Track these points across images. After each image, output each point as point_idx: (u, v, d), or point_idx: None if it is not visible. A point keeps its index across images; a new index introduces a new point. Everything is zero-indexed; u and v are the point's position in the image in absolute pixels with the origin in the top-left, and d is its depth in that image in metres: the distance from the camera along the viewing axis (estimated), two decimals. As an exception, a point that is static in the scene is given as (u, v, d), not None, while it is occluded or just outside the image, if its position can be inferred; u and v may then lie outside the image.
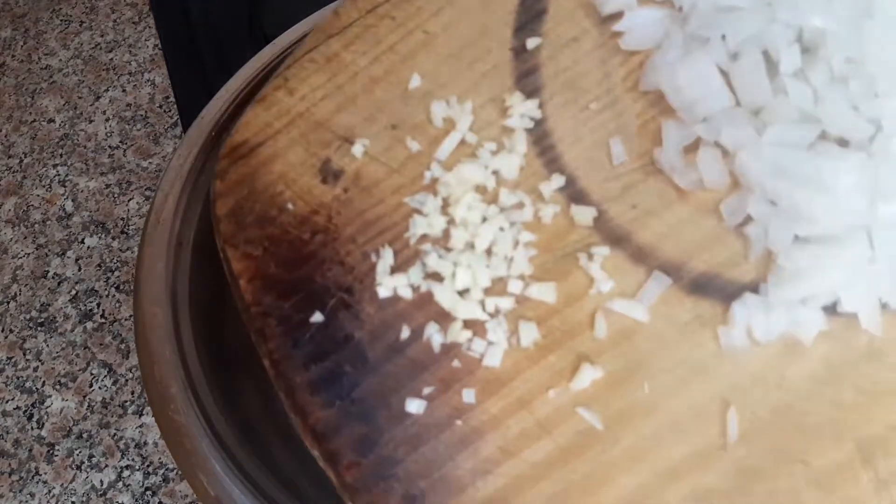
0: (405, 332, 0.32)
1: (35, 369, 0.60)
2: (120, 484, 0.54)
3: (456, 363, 0.31)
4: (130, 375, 0.59)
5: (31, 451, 0.56)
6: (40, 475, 0.55)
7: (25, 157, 0.75)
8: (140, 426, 0.57)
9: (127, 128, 0.76)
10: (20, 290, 0.65)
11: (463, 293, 0.32)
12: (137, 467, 0.55)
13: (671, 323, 0.31)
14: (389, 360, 0.31)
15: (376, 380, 0.31)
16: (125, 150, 0.74)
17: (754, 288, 0.31)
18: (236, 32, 0.78)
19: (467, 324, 0.32)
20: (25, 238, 0.69)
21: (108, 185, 0.71)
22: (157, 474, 0.54)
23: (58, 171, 0.73)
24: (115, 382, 0.59)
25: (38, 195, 0.72)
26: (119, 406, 0.58)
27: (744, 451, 0.28)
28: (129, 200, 0.70)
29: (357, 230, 0.34)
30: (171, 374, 0.44)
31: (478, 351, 0.31)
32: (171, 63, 0.79)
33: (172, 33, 0.81)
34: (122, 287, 0.64)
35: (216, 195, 0.37)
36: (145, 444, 0.56)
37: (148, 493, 0.54)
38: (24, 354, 0.61)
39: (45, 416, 0.58)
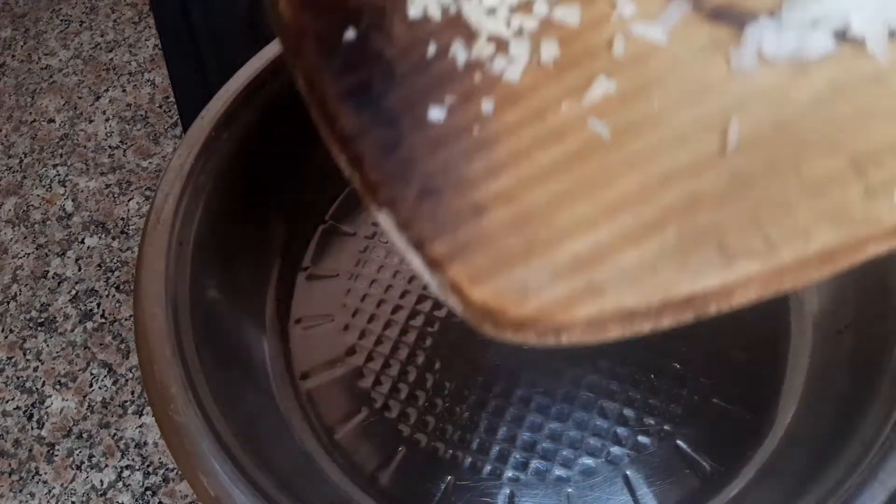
0: (432, 50, 0.34)
1: (35, 369, 0.60)
2: (120, 484, 0.54)
3: (477, 77, 0.33)
4: (130, 375, 0.59)
5: (31, 451, 0.56)
6: (40, 475, 0.55)
7: (25, 157, 0.75)
8: (140, 426, 0.57)
9: (127, 128, 0.76)
10: (20, 290, 0.65)
11: (490, 11, 0.34)
12: (137, 467, 0.55)
13: (687, 46, 0.32)
14: (415, 74, 0.33)
15: (402, 91, 0.33)
16: (125, 150, 0.74)
17: (770, 14, 0.32)
18: (236, 32, 0.78)
19: (491, 40, 0.34)
20: (25, 238, 0.69)
21: (108, 185, 0.71)
22: (157, 474, 0.54)
23: (58, 171, 0.73)
24: (115, 382, 0.59)
25: (38, 195, 0.72)
26: (119, 406, 0.58)
27: (741, 160, 0.30)
28: (129, 200, 0.70)
29: None
30: (171, 374, 0.44)
31: (499, 66, 0.33)
32: (171, 63, 0.79)
33: (172, 33, 0.81)
34: (122, 287, 0.64)
35: None
36: (145, 444, 0.56)
37: (148, 493, 0.54)
38: (24, 354, 0.61)
39: (45, 416, 0.58)
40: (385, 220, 0.31)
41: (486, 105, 0.32)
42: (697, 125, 0.31)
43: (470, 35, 0.34)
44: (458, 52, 0.34)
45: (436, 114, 0.32)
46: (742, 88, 0.31)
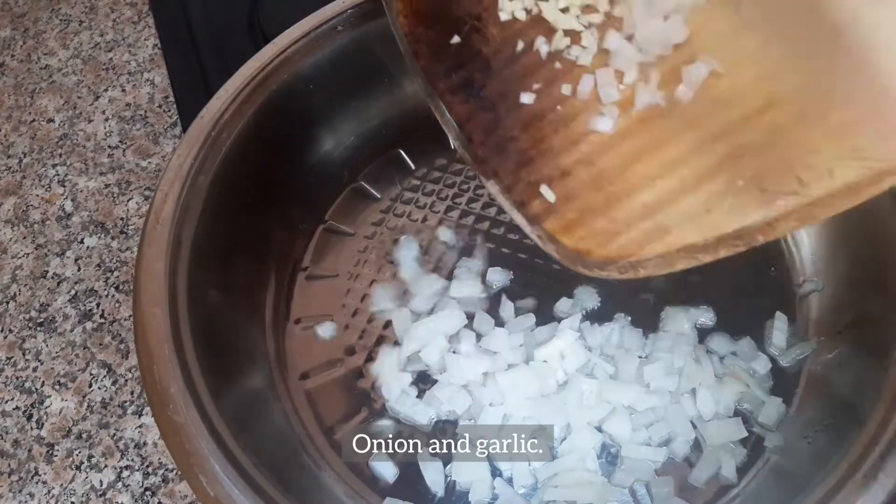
0: (520, 45, 0.42)
1: (34, 369, 0.60)
2: (119, 484, 0.54)
3: (557, 65, 0.41)
4: (130, 375, 0.59)
5: (30, 451, 0.56)
6: (40, 475, 0.55)
7: (25, 156, 0.75)
8: (140, 426, 0.57)
9: (126, 127, 0.76)
10: (20, 290, 0.65)
11: (564, 10, 0.42)
12: (137, 467, 0.55)
13: (720, 25, 0.39)
14: (508, 66, 0.42)
15: (498, 82, 0.41)
16: (124, 150, 0.74)
17: None
18: (236, 32, 0.78)
19: (567, 34, 0.42)
20: (25, 238, 0.69)
21: (107, 185, 0.71)
22: (156, 474, 0.54)
23: (57, 171, 0.73)
24: (114, 382, 0.59)
25: (38, 195, 0.72)
26: (118, 406, 0.58)
27: (775, 115, 0.36)
28: (128, 200, 0.70)
29: None
30: (170, 374, 0.44)
31: (574, 55, 0.41)
32: (171, 63, 0.79)
33: (172, 33, 0.81)
34: (121, 287, 0.64)
35: None
36: (145, 444, 0.56)
37: (147, 493, 0.54)
38: (24, 354, 0.61)
39: (45, 417, 0.58)
40: (492, 187, 0.39)
41: (565, 87, 0.40)
42: (738, 89, 0.37)
43: (549, 31, 0.42)
44: (541, 46, 0.42)
45: (526, 98, 0.40)
46: (776, 55, 0.37)
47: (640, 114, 0.38)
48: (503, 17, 0.43)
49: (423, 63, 0.43)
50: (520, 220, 0.38)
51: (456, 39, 0.43)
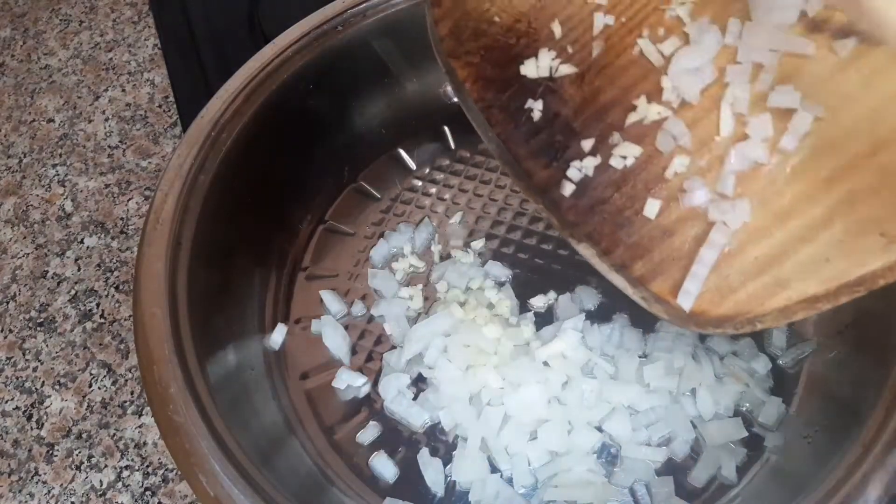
0: (605, 98, 0.40)
1: (34, 369, 0.60)
2: (119, 484, 0.54)
3: (646, 121, 0.39)
4: (130, 375, 0.59)
5: (30, 451, 0.56)
6: (40, 475, 0.55)
7: (25, 156, 0.75)
8: (140, 426, 0.57)
9: (126, 127, 0.76)
10: (19, 290, 0.65)
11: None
12: (137, 467, 0.55)
13: (821, 64, 0.37)
14: (591, 126, 0.39)
15: (581, 144, 0.39)
16: (124, 150, 0.74)
17: None
18: (236, 32, 0.78)
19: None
20: (25, 238, 0.69)
21: (107, 185, 0.71)
22: (156, 474, 0.54)
23: (57, 171, 0.73)
24: (114, 382, 0.59)
25: (38, 195, 0.72)
26: (118, 406, 0.58)
27: (886, 156, 0.35)
28: (128, 200, 0.70)
29: (552, 31, 0.42)
30: (170, 374, 0.44)
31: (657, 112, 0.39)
32: (171, 63, 0.79)
33: (172, 33, 0.81)
34: (121, 287, 0.64)
35: (436, 20, 0.45)
36: (145, 444, 0.56)
37: (147, 493, 0.54)
38: (24, 354, 0.61)
39: (45, 417, 0.58)
40: (585, 250, 0.37)
41: (658, 142, 0.38)
42: (848, 131, 0.36)
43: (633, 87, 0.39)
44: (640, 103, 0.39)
45: (616, 161, 0.38)
46: (876, 91, 0.36)
47: (745, 170, 0.37)
48: (528, 73, 0.41)
49: (498, 130, 0.41)
50: (619, 281, 0.37)
51: (531, 103, 0.40)
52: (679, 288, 0.35)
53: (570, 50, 0.42)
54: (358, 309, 0.57)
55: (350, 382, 0.53)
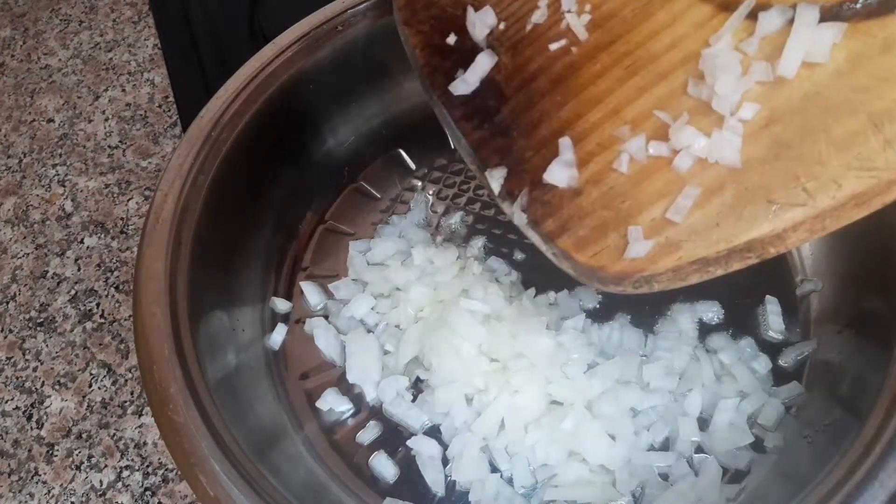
0: (530, 71, 0.43)
1: (34, 369, 0.60)
2: (119, 484, 0.54)
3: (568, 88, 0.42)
4: (130, 375, 0.59)
5: (30, 451, 0.56)
6: (40, 475, 0.55)
7: (25, 156, 0.75)
8: (139, 426, 0.57)
9: (126, 127, 0.76)
10: (19, 290, 0.65)
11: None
12: (137, 467, 0.55)
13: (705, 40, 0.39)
14: (519, 92, 0.43)
15: (509, 107, 0.42)
16: (124, 150, 0.74)
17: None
18: (236, 32, 0.78)
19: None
20: (25, 238, 0.69)
21: (107, 185, 0.71)
22: (156, 474, 0.54)
23: (57, 171, 0.73)
24: (114, 382, 0.59)
25: (38, 195, 0.72)
26: (118, 406, 0.58)
27: (779, 129, 0.37)
28: (128, 200, 0.70)
29: (495, 2, 0.46)
30: (170, 374, 0.44)
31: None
32: (171, 63, 0.79)
33: (172, 33, 0.81)
34: (121, 287, 0.64)
35: None
36: (145, 444, 0.56)
37: (147, 493, 0.53)
38: (24, 354, 0.61)
39: (45, 417, 0.58)
40: (508, 208, 0.40)
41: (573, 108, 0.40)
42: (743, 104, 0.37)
43: (559, 55, 0.42)
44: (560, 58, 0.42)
45: (545, 127, 0.40)
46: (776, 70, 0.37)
47: (647, 133, 0.39)
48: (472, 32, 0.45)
49: (438, 92, 0.44)
50: (535, 238, 0.39)
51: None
52: (582, 245, 0.38)
53: (507, 23, 0.45)
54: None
55: (334, 406, 0.52)
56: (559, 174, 0.39)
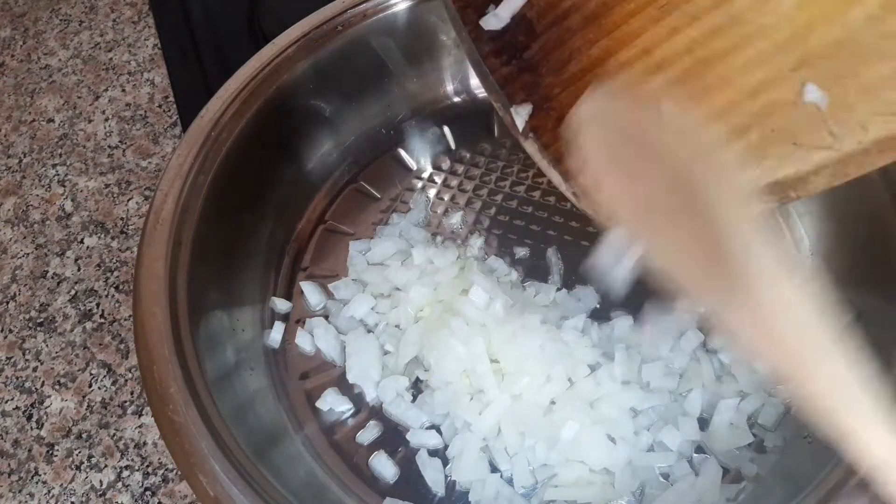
0: (563, 6, 0.43)
1: (34, 369, 0.60)
2: (119, 484, 0.54)
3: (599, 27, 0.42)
4: (130, 375, 0.59)
5: (30, 451, 0.56)
6: (40, 475, 0.55)
7: (25, 156, 0.75)
8: (139, 426, 0.57)
9: (126, 127, 0.76)
10: (19, 290, 0.65)
11: None
12: (137, 467, 0.55)
13: None
14: (550, 29, 0.43)
15: (539, 44, 0.43)
16: (124, 150, 0.74)
17: None
18: (236, 32, 0.78)
19: None
20: (25, 238, 0.69)
21: (107, 185, 0.71)
22: (156, 474, 0.54)
23: (57, 171, 0.73)
24: (114, 382, 0.59)
25: (38, 195, 0.72)
26: (118, 406, 0.58)
27: (809, 73, 0.36)
28: (128, 200, 0.70)
29: None
30: (170, 374, 0.44)
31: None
32: (171, 63, 0.79)
33: (172, 33, 0.81)
34: (121, 287, 0.64)
35: None
36: (145, 444, 0.56)
37: (147, 493, 0.53)
38: (24, 354, 0.61)
39: (45, 417, 0.58)
40: (530, 146, 0.40)
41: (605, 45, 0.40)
42: (774, 48, 0.38)
43: None
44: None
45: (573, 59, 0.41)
46: (808, 13, 0.38)
47: (676, 71, 0.39)
48: None
49: (469, 28, 0.44)
50: (554, 177, 0.39)
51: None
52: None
53: None
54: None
55: (334, 406, 0.52)
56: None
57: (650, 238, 0.32)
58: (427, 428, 0.51)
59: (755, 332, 0.28)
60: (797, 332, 0.26)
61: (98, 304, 0.63)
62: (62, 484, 0.55)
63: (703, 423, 0.49)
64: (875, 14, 0.37)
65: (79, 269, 0.66)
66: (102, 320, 0.62)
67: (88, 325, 0.62)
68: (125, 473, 0.55)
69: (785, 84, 0.37)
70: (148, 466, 0.55)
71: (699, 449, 0.49)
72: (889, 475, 0.25)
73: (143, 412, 0.57)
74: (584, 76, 0.41)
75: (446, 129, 0.66)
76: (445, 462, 0.49)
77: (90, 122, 0.77)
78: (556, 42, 0.42)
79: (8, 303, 0.64)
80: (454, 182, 0.64)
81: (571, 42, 0.42)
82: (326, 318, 0.56)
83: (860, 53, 0.36)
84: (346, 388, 0.53)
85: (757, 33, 0.39)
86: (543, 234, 0.60)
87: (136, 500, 0.53)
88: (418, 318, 0.55)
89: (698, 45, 0.39)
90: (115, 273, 0.65)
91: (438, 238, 0.60)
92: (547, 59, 0.42)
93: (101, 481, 0.54)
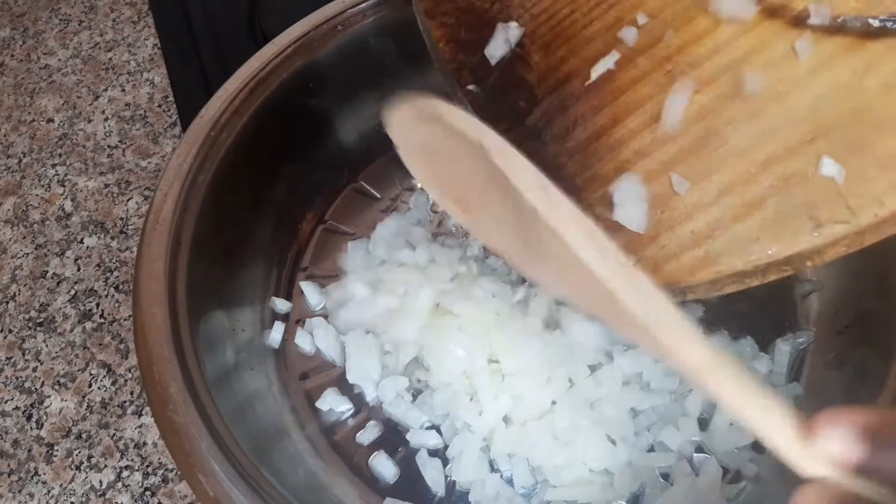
0: (563, 73, 0.41)
1: (34, 369, 0.60)
2: (119, 484, 0.54)
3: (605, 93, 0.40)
4: (130, 376, 0.59)
5: (30, 451, 0.56)
6: (39, 475, 0.55)
7: (24, 156, 0.75)
8: (139, 426, 0.57)
9: (126, 127, 0.76)
10: (19, 290, 0.65)
11: None
12: (136, 467, 0.55)
13: (766, 52, 0.38)
14: (552, 94, 0.41)
15: (542, 110, 0.41)
16: (124, 150, 0.74)
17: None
18: (236, 32, 0.78)
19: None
20: (24, 238, 0.69)
21: (107, 185, 0.71)
22: (156, 474, 0.54)
23: (57, 171, 0.73)
24: (114, 383, 0.59)
25: (37, 195, 0.71)
26: (118, 406, 0.58)
27: (824, 144, 0.36)
28: (128, 200, 0.70)
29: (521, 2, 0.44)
30: (170, 374, 0.43)
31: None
32: (171, 63, 0.79)
33: (172, 33, 0.81)
34: (121, 287, 0.64)
35: None
36: (144, 444, 0.56)
37: (147, 493, 0.53)
38: (24, 354, 0.61)
39: (45, 417, 0.58)
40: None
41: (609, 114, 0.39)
42: (788, 118, 0.37)
43: (593, 59, 0.40)
44: (596, 68, 0.40)
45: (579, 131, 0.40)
46: (822, 81, 0.37)
47: (688, 140, 0.38)
48: (492, 53, 0.42)
49: (464, 91, 0.43)
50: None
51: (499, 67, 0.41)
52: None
53: (539, 20, 0.43)
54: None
55: (334, 406, 0.52)
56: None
57: (469, 215, 0.34)
58: (427, 428, 0.51)
59: (567, 285, 0.31)
60: (597, 278, 0.28)
61: (98, 304, 0.63)
62: (62, 484, 0.55)
63: (703, 423, 0.49)
64: (891, 83, 0.36)
65: (78, 269, 0.66)
66: (102, 320, 0.62)
67: (88, 325, 0.62)
68: (125, 473, 0.55)
69: (800, 155, 0.36)
70: (148, 466, 0.55)
71: (699, 449, 0.49)
72: (702, 378, 0.28)
73: (143, 412, 0.57)
74: (591, 144, 0.39)
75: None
76: (445, 462, 0.49)
77: (90, 121, 0.77)
78: (558, 108, 0.41)
79: (8, 303, 0.64)
80: (454, 182, 0.64)
81: (575, 108, 0.40)
82: (326, 318, 0.56)
83: (876, 123, 0.35)
84: (346, 389, 0.53)
85: (770, 100, 0.38)
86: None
87: (135, 500, 0.53)
88: (418, 319, 0.55)
89: (709, 112, 0.38)
90: (115, 273, 0.65)
91: (438, 238, 0.60)
92: (550, 126, 0.40)
93: (100, 481, 0.54)
